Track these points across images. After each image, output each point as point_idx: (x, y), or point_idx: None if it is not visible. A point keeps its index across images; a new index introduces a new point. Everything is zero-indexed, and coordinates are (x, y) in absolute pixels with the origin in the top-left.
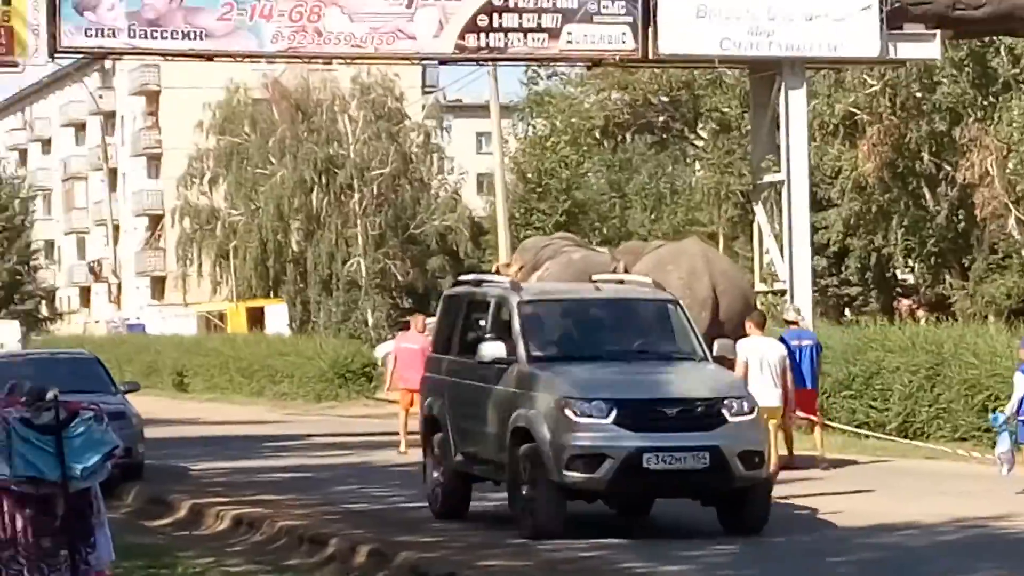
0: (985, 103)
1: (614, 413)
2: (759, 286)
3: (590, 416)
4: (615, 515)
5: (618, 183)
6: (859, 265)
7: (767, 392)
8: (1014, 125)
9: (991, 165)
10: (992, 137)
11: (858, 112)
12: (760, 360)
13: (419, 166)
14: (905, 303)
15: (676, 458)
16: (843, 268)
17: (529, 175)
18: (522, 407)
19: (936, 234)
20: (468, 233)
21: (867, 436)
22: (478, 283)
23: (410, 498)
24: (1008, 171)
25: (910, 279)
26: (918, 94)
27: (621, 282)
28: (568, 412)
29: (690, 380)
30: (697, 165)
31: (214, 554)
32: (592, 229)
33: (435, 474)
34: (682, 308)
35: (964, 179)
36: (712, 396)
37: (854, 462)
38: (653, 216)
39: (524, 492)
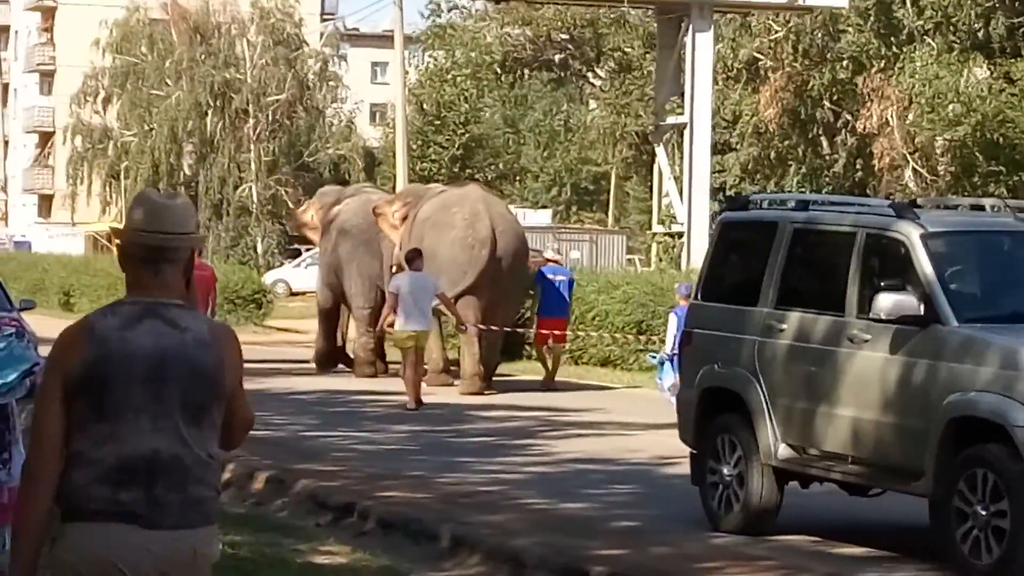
0: (888, 53)
1: None
2: (656, 227)
3: None
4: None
5: (513, 119)
6: None
7: (415, 319)
8: (916, 76)
9: (891, 116)
10: (894, 88)
11: (762, 58)
12: (410, 292)
13: (315, 94)
14: None
15: None
16: None
17: (427, 107)
18: (964, 388)
19: (833, 182)
20: (361, 163)
21: None
22: (804, 205)
23: (308, 427)
24: (908, 122)
25: None
26: (822, 41)
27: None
28: None
29: None
30: (592, 104)
31: None
32: (487, 164)
33: (724, 470)
34: None
35: (864, 129)
36: None
37: None
38: (546, 153)
39: (978, 517)
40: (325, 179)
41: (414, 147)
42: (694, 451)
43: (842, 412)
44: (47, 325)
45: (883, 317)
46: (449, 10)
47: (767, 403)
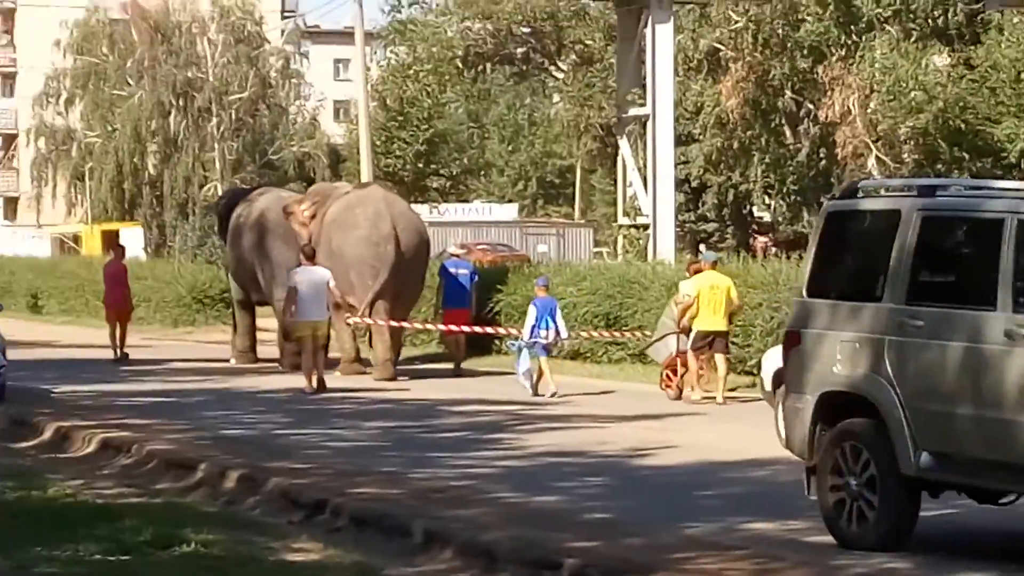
0: (848, 42)
1: None
2: (622, 219)
3: None
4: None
5: (476, 113)
6: (716, 201)
7: (312, 310)
8: (876, 65)
9: (853, 104)
10: (854, 76)
11: (722, 48)
12: (310, 284)
13: (277, 91)
14: (761, 240)
15: None
16: (700, 204)
17: (390, 103)
18: None
19: (796, 172)
20: (326, 160)
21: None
22: (930, 190)
23: (279, 425)
24: (869, 110)
25: (766, 216)
26: (782, 31)
27: None
28: None
29: None
30: (556, 97)
31: (84, 477)
32: (451, 159)
33: (852, 482)
34: None
35: (826, 117)
36: None
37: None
38: (511, 147)
39: None
40: (290, 176)
41: (378, 143)
42: (809, 461)
43: (1002, 415)
44: (15, 328)
45: None
46: (410, 5)
47: (903, 407)
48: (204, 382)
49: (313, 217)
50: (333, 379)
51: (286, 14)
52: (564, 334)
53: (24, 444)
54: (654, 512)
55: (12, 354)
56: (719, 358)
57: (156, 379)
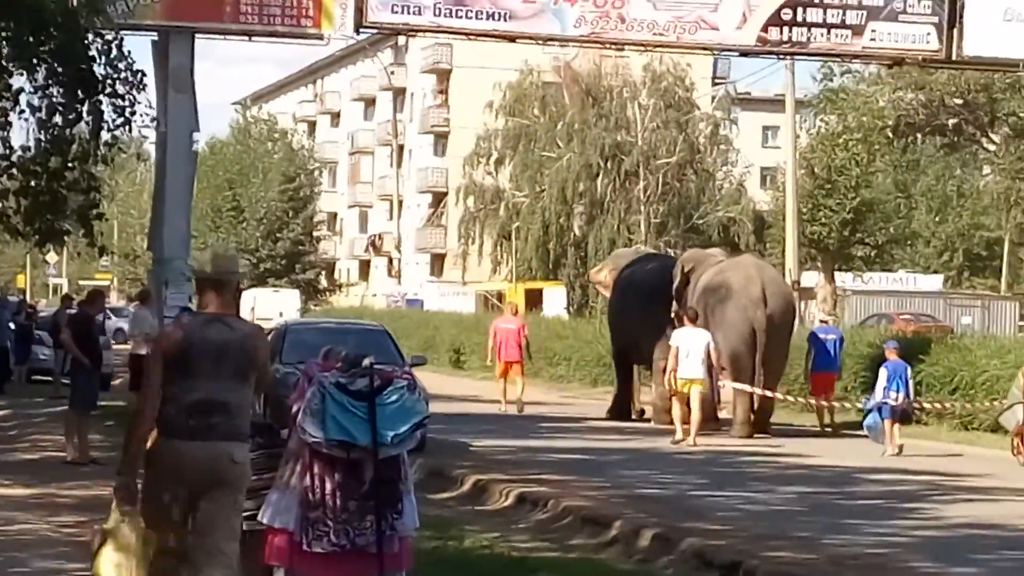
0: None
1: None
2: None
3: None
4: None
5: (904, 183)
6: None
7: (692, 368)
8: None
9: None
10: None
11: None
12: (687, 346)
13: (705, 157)
14: None
15: None
16: None
17: (817, 171)
18: None
19: None
20: (751, 226)
21: None
22: None
23: (695, 486)
24: None
25: None
26: None
27: None
28: None
29: None
30: (987, 169)
31: (500, 529)
32: (877, 228)
33: None
34: None
35: None
36: None
37: None
38: (937, 218)
39: None
40: (714, 241)
41: (804, 211)
42: None
43: None
44: (437, 382)
45: None
46: (842, 74)
47: None
48: (622, 441)
49: (687, 283)
50: (719, 438)
51: (717, 81)
52: (912, 398)
53: (442, 495)
54: None
55: (433, 407)
56: None
57: (574, 436)
